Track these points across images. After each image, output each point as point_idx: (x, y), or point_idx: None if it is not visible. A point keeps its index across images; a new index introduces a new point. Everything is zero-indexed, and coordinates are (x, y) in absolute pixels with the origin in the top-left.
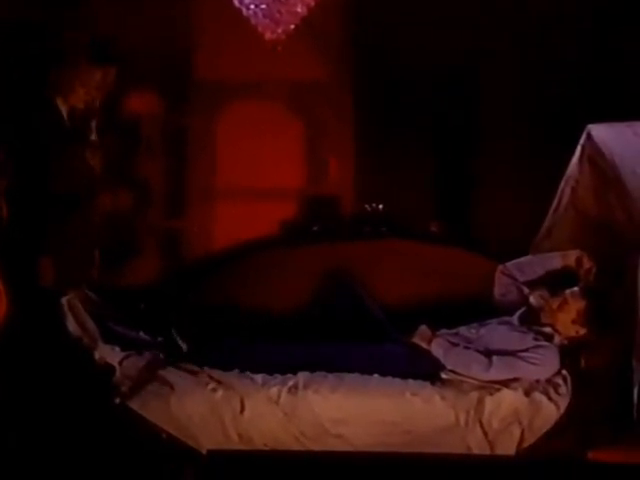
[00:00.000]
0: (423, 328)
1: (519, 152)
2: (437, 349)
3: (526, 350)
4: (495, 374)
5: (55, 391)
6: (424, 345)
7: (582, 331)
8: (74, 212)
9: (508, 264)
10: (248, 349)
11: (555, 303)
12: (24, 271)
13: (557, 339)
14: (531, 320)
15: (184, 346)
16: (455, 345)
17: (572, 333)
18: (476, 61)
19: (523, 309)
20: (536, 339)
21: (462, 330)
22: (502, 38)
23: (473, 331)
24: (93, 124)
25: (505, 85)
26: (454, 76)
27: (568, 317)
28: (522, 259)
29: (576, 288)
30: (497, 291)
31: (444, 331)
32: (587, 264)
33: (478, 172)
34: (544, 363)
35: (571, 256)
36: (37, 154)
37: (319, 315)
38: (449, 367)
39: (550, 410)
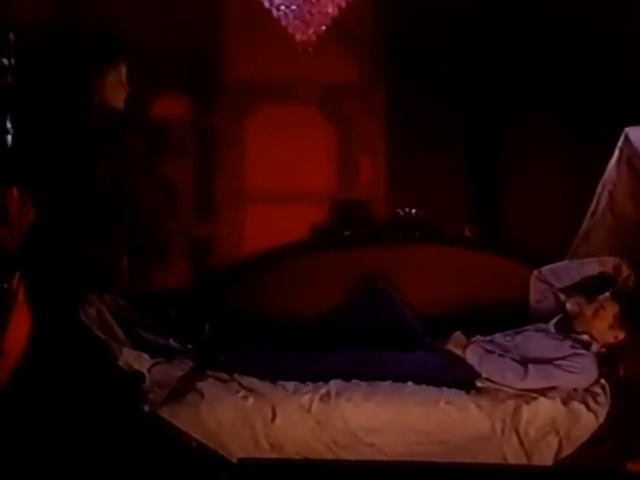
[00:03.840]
0: (457, 334)
1: (554, 154)
2: (472, 356)
3: (563, 358)
4: (531, 383)
5: (83, 400)
6: (459, 352)
7: (620, 336)
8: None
9: (544, 269)
10: (279, 356)
11: (590, 310)
12: (51, 277)
13: (595, 347)
14: (568, 328)
15: (215, 353)
16: (490, 352)
17: (610, 339)
18: (510, 60)
19: (559, 316)
20: (573, 347)
21: (497, 338)
22: (538, 38)
23: (508, 339)
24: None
25: (540, 84)
26: (487, 75)
27: (605, 323)
28: (558, 264)
29: (607, 293)
30: (533, 297)
31: (478, 338)
32: (626, 271)
33: (513, 174)
34: (582, 371)
35: (609, 263)
36: (77, 157)
37: (351, 321)
38: (484, 375)
39: (589, 420)
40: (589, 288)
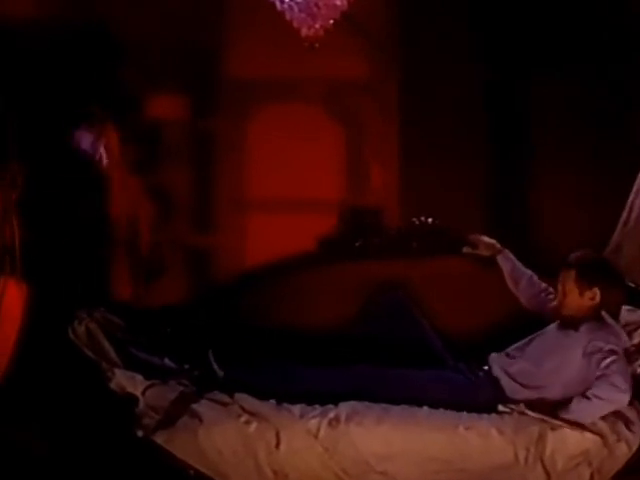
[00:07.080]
0: None
1: (581, 157)
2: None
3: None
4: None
5: (72, 425)
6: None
7: (597, 296)
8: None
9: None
10: (286, 374)
11: (559, 294)
12: (40, 289)
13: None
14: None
15: (219, 372)
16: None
17: (587, 303)
18: (529, 64)
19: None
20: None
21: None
22: (562, 36)
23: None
24: None
25: (564, 86)
26: (509, 75)
27: (574, 294)
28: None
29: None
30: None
31: (494, 355)
32: None
33: (538, 180)
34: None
35: None
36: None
37: (367, 335)
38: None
39: (621, 449)
40: None
